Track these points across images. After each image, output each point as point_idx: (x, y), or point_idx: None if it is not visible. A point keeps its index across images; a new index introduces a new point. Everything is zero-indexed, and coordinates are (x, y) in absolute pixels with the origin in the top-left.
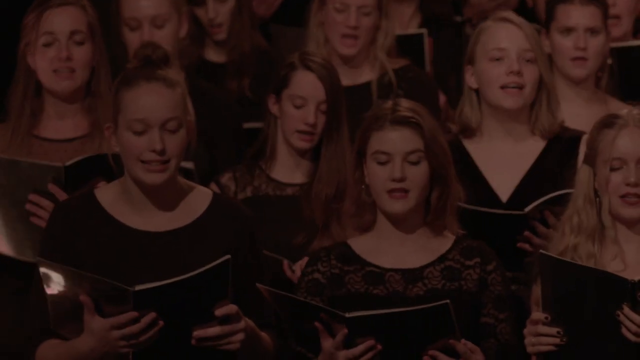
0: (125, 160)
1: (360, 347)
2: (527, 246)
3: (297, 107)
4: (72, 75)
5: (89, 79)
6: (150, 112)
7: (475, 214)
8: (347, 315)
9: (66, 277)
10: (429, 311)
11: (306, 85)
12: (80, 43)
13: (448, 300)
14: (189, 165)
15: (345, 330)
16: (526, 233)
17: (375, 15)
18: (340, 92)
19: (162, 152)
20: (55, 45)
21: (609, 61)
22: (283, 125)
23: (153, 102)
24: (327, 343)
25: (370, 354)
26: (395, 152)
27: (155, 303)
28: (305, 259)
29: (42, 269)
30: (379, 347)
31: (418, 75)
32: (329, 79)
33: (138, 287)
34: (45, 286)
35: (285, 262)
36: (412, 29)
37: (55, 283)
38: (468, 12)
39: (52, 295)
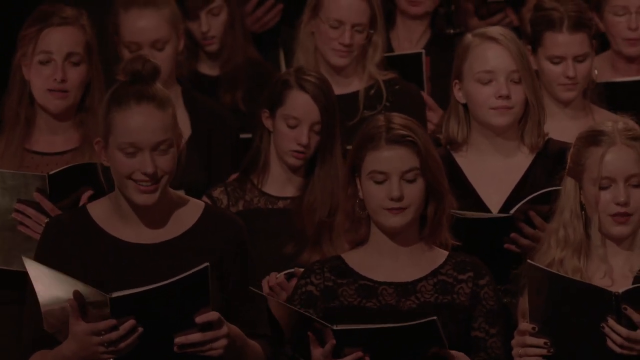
0: (116, 178)
1: (348, 358)
2: (513, 247)
3: (291, 127)
4: (65, 95)
5: (82, 97)
6: (141, 135)
7: (463, 220)
8: (334, 327)
9: (52, 279)
10: (417, 327)
11: (301, 106)
12: (76, 64)
13: (435, 317)
14: (179, 193)
15: (334, 341)
16: (513, 235)
17: (368, 33)
18: (335, 111)
19: (153, 175)
20: (51, 65)
21: (596, 72)
22: (276, 142)
23: (144, 125)
24: (317, 352)
25: None
26: (392, 171)
27: (134, 310)
28: (273, 275)
29: (30, 270)
30: (367, 358)
31: (405, 87)
32: (324, 100)
33: (115, 294)
34: (35, 287)
35: None
36: (414, 48)
37: (43, 285)
38: (462, 26)
39: (42, 297)
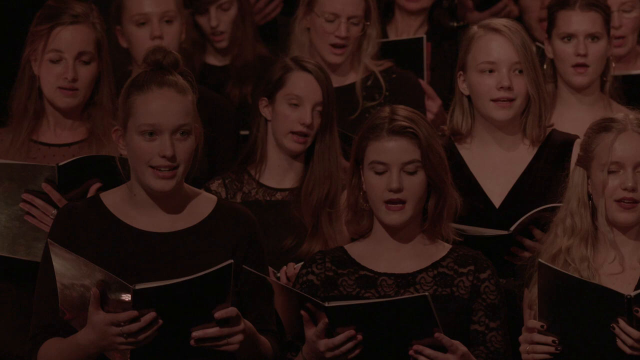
0: (134, 165)
1: (340, 337)
2: (514, 260)
3: (293, 106)
4: (75, 94)
5: (91, 93)
6: (162, 117)
7: (462, 235)
8: (326, 304)
9: (75, 265)
10: (409, 302)
11: (304, 85)
12: (87, 63)
13: (427, 293)
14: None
15: (326, 320)
16: (513, 248)
17: (363, 25)
18: (333, 95)
19: (172, 158)
20: (62, 64)
21: (613, 65)
22: (276, 127)
23: (165, 107)
24: (310, 332)
25: (350, 344)
26: (392, 162)
27: (155, 302)
28: (291, 265)
29: (54, 254)
30: (359, 337)
31: (401, 75)
32: (325, 82)
33: (139, 286)
34: (56, 271)
35: (271, 270)
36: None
37: (66, 269)
38: (467, 19)
39: (61, 283)
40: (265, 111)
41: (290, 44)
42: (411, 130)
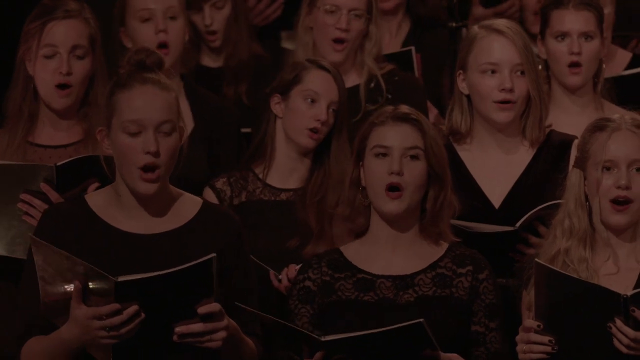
0: (120, 164)
1: None
2: (518, 256)
3: (309, 102)
4: (69, 92)
5: (85, 91)
6: (145, 113)
7: (467, 232)
8: (322, 339)
9: (57, 260)
10: (404, 330)
11: (322, 82)
12: (81, 57)
13: (422, 320)
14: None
15: (323, 351)
16: (519, 246)
17: (365, 19)
18: (346, 98)
19: (156, 154)
20: (56, 58)
21: (604, 67)
22: (289, 123)
23: (148, 103)
24: None
25: None
26: (394, 146)
27: (138, 296)
28: (292, 267)
29: (35, 249)
30: None
31: (404, 78)
32: (341, 83)
33: (121, 278)
34: (36, 267)
35: (271, 272)
36: (400, 46)
37: (48, 264)
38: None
39: (42, 277)
40: (277, 108)
41: (295, 46)
42: (415, 117)
